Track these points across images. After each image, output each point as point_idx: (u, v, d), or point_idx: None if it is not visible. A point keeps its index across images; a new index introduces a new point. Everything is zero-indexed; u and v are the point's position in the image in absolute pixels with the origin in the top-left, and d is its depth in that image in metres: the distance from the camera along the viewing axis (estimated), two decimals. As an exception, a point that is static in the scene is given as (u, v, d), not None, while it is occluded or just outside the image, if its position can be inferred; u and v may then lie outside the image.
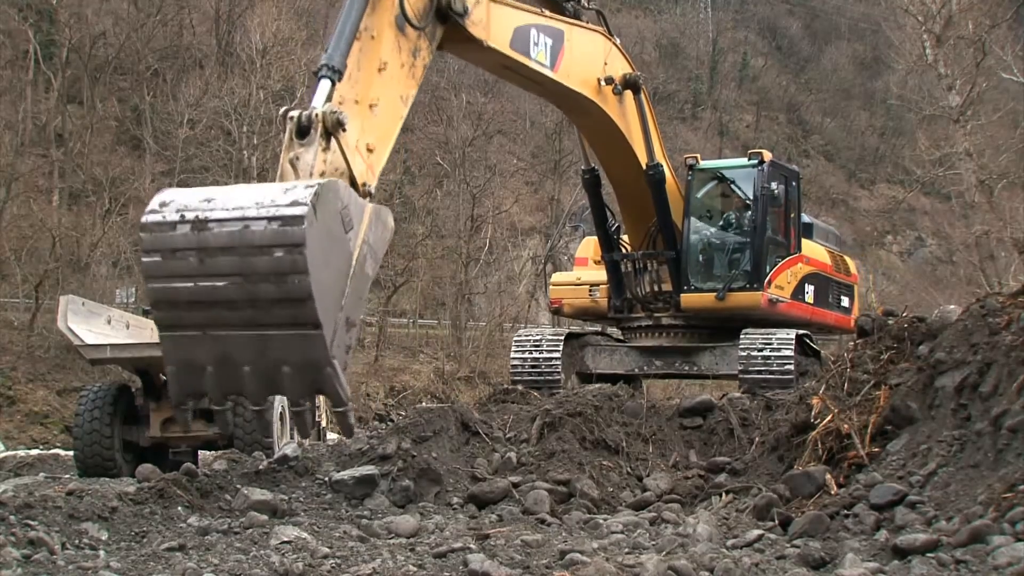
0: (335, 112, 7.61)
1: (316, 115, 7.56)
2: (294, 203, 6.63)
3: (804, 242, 15.05)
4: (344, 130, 7.67)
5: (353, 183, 7.75)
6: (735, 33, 72.58)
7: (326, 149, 7.61)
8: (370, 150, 8.28)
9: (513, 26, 10.39)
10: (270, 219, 6.63)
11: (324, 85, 7.89)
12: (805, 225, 15.91)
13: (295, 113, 7.64)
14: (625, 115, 12.78)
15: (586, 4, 12.43)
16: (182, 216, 6.82)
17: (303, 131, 7.59)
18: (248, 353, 6.94)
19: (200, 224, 6.77)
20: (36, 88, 40.31)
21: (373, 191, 8.15)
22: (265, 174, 38.00)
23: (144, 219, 6.95)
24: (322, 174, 7.51)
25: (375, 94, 8.44)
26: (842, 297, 15.85)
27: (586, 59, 11.89)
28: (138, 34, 43.13)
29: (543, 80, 11.29)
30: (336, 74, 7.92)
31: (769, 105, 68.48)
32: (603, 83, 12.20)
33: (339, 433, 10.30)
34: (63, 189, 37.65)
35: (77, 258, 33.15)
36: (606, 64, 12.30)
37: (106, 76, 42.91)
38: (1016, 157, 33.78)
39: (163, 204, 6.97)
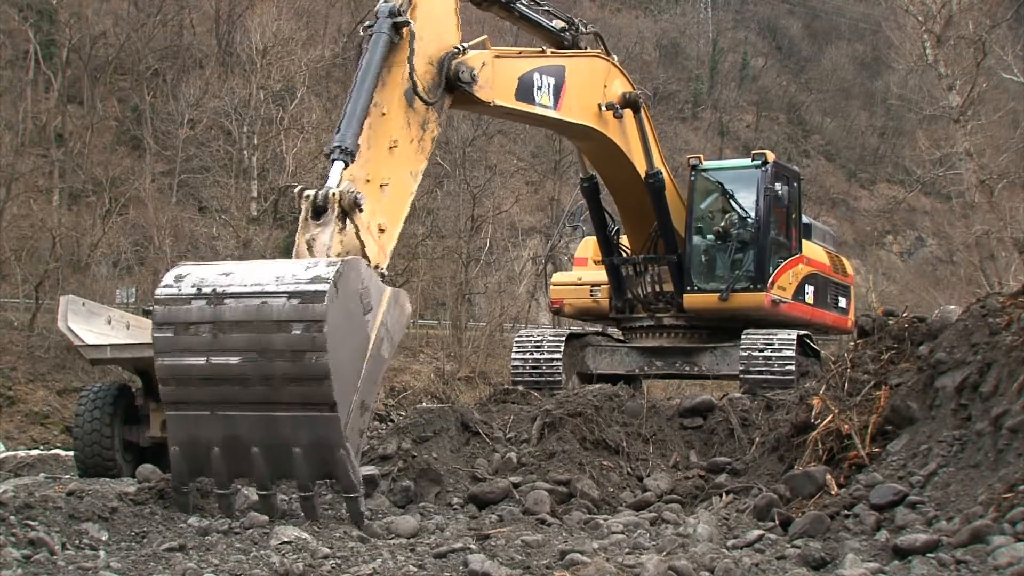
0: (352, 192, 7.63)
1: (333, 195, 7.56)
2: (316, 279, 6.61)
3: (804, 243, 15.06)
4: (360, 210, 7.66)
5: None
6: (735, 33, 72.53)
7: (342, 230, 7.63)
8: (381, 230, 8.29)
9: (517, 76, 10.43)
10: (290, 295, 6.61)
11: (337, 167, 7.92)
12: (804, 226, 15.92)
13: (311, 192, 7.67)
14: (625, 134, 12.79)
15: (583, 29, 12.39)
16: (198, 290, 6.82)
17: (319, 211, 7.62)
18: (257, 433, 6.84)
19: (217, 299, 6.76)
20: (36, 88, 40.28)
21: (385, 273, 8.13)
22: (265, 174, 38.05)
23: (158, 293, 6.96)
24: (338, 255, 7.49)
25: (386, 173, 8.47)
26: (839, 298, 15.88)
27: (587, 88, 11.92)
28: (138, 34, 43.14)
29: (547, 121, 11.42)
30: (349, 156, 7.96)
31: (769, 105, 68.41)
32: (603, 109, 12.19)
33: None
34: (63, 189, 37.63)
35: (77, 258, 33.13)
36: (606, 87, 12.28)
37: (106, 76, 42.91)
38: (1016, 157, 33.76)
39: (178, 278, 6.96)
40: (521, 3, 11.38)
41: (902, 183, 60.81)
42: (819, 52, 74.69)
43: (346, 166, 7.99)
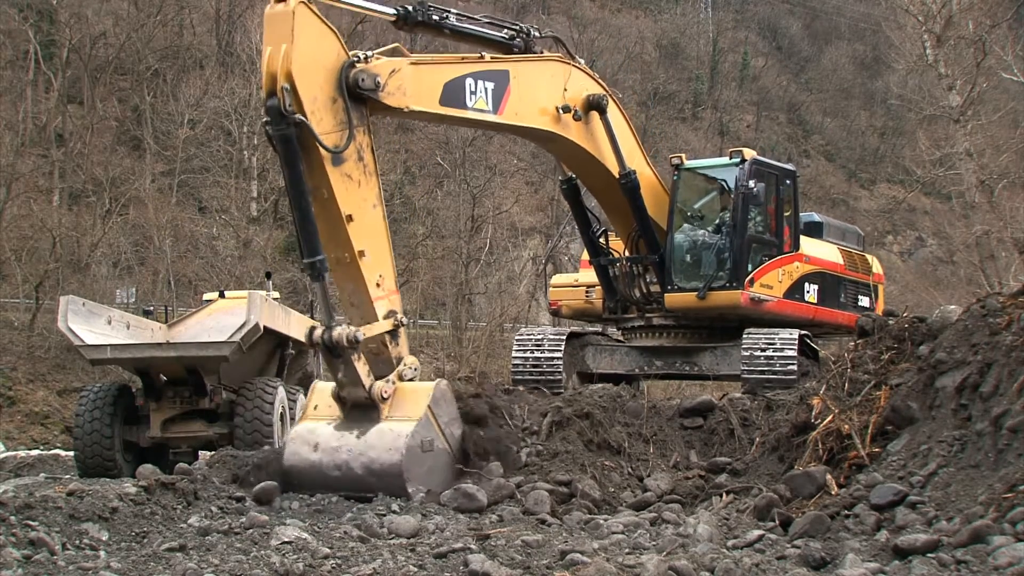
0: (350, 335, 8.96)
1: (336, 341, 8.97)
2: (404, 487, 8.76)
3: (808, 241, 14.95)
4: (360, 340, 9.02)
5: (389, 331, 9.40)
6: (735, 33, 72.44)
7: (359, 357, 9.16)
8: (379, 284, 9.33)
9: (442, 82, 10.27)
10: (392, 479, 8.83)
11: (317, 287, 9.26)
12: (814, 224, 15.79)
13: (319, 339, 9.08)
14: (593, 136, 12.60)
15: (538, 34, 12.08)
16: (324, 477, 9.01)
17: (335, 352, 9.06)
18: None
19: (340, 484, 8.95)
20: (36, 88, 40.27)
21: (403, 317, 9.51)
22: (265, 174, 38.02)
23: (287, 468, 9.23)
24: (368, 373, 9.22)
25: (358, 243, 9.18)
26: (859, 296, 15.67)
27: (540, 92, 11.68)
28: (138, 34, 43.09)
29: (488, 125, 11.29)
30: (323, 271, 9.00)
31: (769, 105, 68.35)
32: (561, 112, 11.92)
33: None
34: (63, 189, 37.60)
35: (77, 258, 33.11)
36: (566, 90, 12.02)
37: (106, 76, 42.87)
38: (1016, 157, 33.71)
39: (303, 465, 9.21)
40: (452, 21, 11.06)
41: (902, 183, 60.76)
42: (819, 52, 74.60)
43: (323, 279, 9.04)
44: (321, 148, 8.87)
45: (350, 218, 9.10)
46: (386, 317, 9.36)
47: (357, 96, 9.22)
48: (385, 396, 9.24)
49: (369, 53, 9.46)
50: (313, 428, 9.40)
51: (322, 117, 8.94)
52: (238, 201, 37.85)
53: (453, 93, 10.38)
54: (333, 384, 9.43)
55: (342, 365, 9.10)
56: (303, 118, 8.74)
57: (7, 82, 38.42)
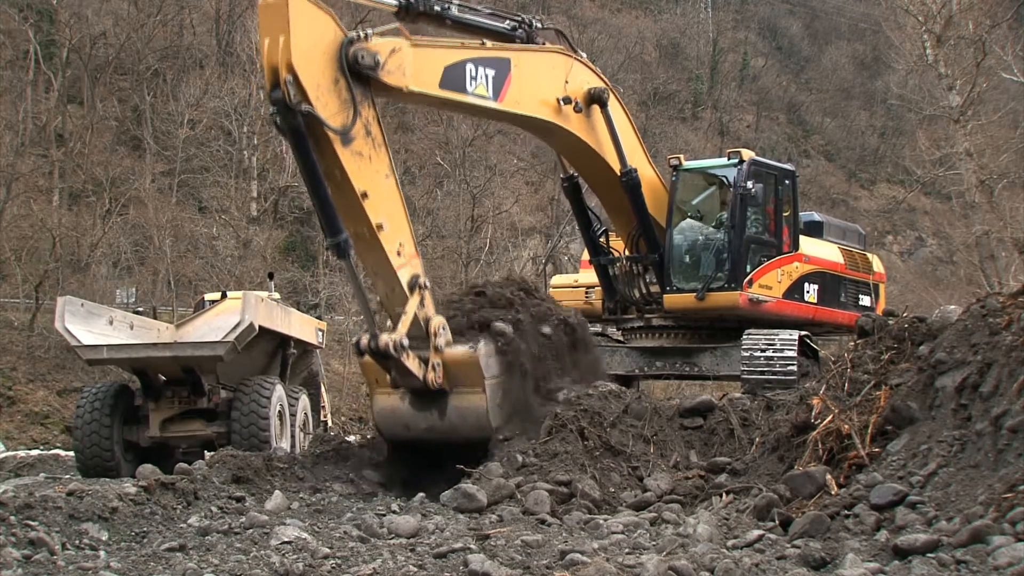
0: (396, 342, 9.47)
1: (384, 347, 9.41)
2: (500, 441, 9.87)
3: (808, 240, 14.94)
4: (406, 345, 9.51)
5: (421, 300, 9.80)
6: (735, 33, 72.39)
7: (409, 357, 9.61)
8: (399, 253, 9.62)
9: (443, 65, 10.33)
10: (488, 441, 9.94)
11: (345, 264, 9.66)
12: (814, 223, 15.79)
13: (365, 346, 9.52)
14: (594, 129, 12.64)
15: (540, 26, 12.16)
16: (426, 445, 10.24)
17: (384, 355, 9.52)
18: None
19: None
20: (36, 88, 40.21)
21: (425, 280, 9.87)
22: (265, 174, 38.01)
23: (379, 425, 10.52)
24: (418, 365, 9.73)
25: (376, 218, 9.41)
26: (860, 296, 15.66)
27: (541, 82, 11.73)
28: (138, 34, 43.04)
29: (488, 111, 11.34)
30: (347, 247, 9.28)
31: (769, 105, 68.29)
32: (562, 103, 11.98)
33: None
34: (63, 189, 37.56)
35: (77, 258, 33.09)
36: (567, 82, 12.08)
37: (106, 76, 42.83)
38: (1016, 157, 33.72)
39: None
40: (453, 12, 11.09)
41: (902, 183, 60.71)
42: (819, 52, 74.56)
43: (348, 258, 9.34)
44: (330, 132, 8.96)
45: (365, 195, 9.27)
46: (410, 282, 9.66)
47: (358, 74, 9.28)
48: (439, 383, 9.84)
49: (369, 32, 9.50)
50: (394, 408, 10.16)
51: (327, 101, 9.02)
52: (238, 201, 37.83)
53: (453, 77, 10.43)
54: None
55: (398, 366, 9.64)
56: (309, 107, 8.83)
57: (7, 82, 38.37)
